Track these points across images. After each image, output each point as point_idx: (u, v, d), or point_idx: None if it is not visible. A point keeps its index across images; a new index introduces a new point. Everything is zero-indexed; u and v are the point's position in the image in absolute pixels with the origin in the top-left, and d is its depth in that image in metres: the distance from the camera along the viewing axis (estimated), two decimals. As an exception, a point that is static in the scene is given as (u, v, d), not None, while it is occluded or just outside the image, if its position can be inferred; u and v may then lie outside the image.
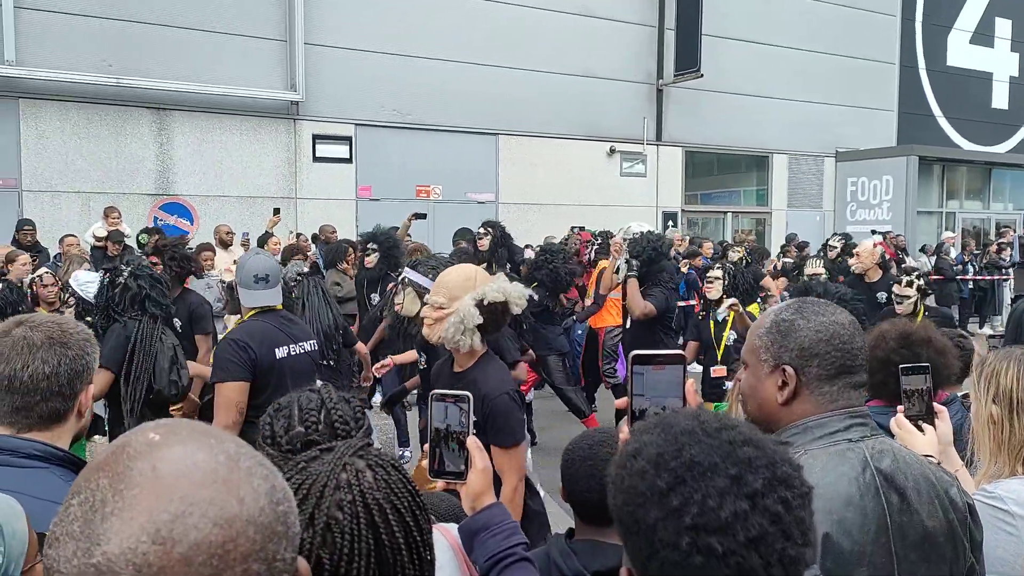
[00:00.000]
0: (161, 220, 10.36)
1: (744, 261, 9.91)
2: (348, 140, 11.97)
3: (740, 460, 0.93)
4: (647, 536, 0.93)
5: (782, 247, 13.29)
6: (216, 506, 0.65)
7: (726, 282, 5.15)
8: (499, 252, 7.52)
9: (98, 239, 8.62)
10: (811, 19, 16.15)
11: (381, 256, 6.57)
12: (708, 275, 5.37)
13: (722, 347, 5.28)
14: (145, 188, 10.64)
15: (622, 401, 1.42)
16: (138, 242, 8.54)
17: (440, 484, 1.60)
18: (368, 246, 6.63)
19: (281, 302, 3.64)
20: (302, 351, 3.55)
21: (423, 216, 9.19)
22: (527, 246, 8.93)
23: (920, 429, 1.85)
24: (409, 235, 8.81)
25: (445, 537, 1.50)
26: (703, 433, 0.96)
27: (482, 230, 7.69)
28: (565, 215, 13.01)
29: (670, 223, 14.58)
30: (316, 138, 11.73)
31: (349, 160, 12.01)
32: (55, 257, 8.32)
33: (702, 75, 13.99)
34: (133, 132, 10.55)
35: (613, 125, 14.21)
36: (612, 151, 14.24)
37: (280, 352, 3.44)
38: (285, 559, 0.70)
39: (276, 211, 9.62)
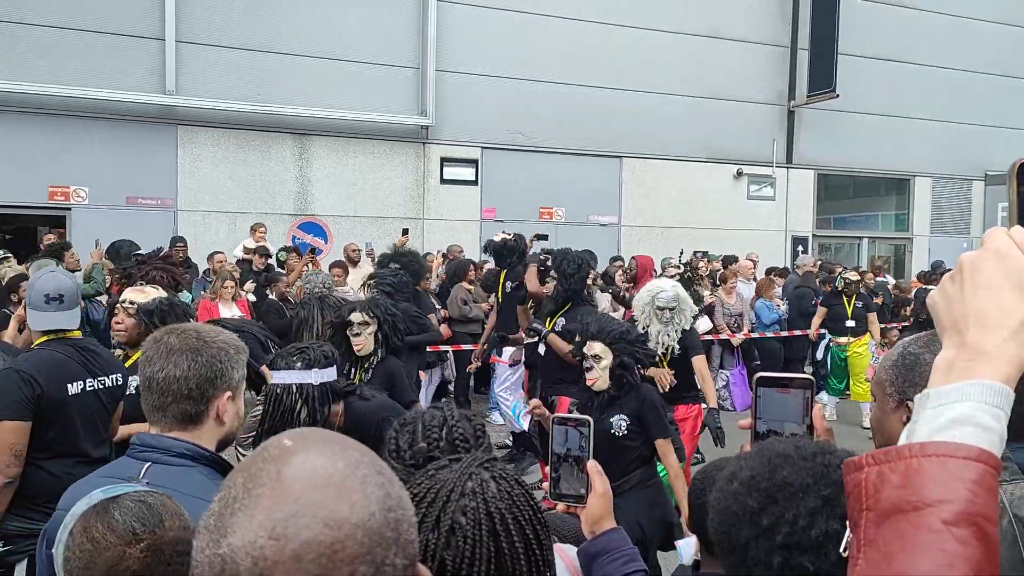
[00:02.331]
0: (298, 239, 10.95)
1: (862, 287, 9.40)
2: (474, 163, 12.27)
3: (834, 482, 0.93)
4: (740, 556, 0.93)
5: (923, 274, 12.54)
6: (327, 509, 0.69)
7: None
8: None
9: (247, 251, 9.21)
10: (958, 36, 15.25)
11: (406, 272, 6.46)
12: None
13: None
14: (285, 208, 11.29)
15: (746, 422, 1.42)
16: (277, 259, 9.06)
17: (560, 507, 1.62)
18: (391, 265, 6.51)
19: (77, 327, 3.21)
20: (102, 386, 3.18)
21: (544, 237, 9.26)
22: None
23: None
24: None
25: (561, 558, 1.51)
26: (799, 457, 0.97)
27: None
28: (688, 238, 12.79)
29: (799, 248, 14.07)
30: (444, 161, 12.10)
31: (475, 182, 12.30)
32: (204, 272, 8.94)
33: (837, 95, 13.47)
34: (277, 156, 11.24)
35: (740, 147, 13.90)
36: (739, 173, 13.91)
37: (73, 388, 3.07)
38: (395, 565, 0.72)
39: (405, 231, 9.96)
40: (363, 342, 4.05)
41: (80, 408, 3.10)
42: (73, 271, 7.58)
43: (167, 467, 1.70)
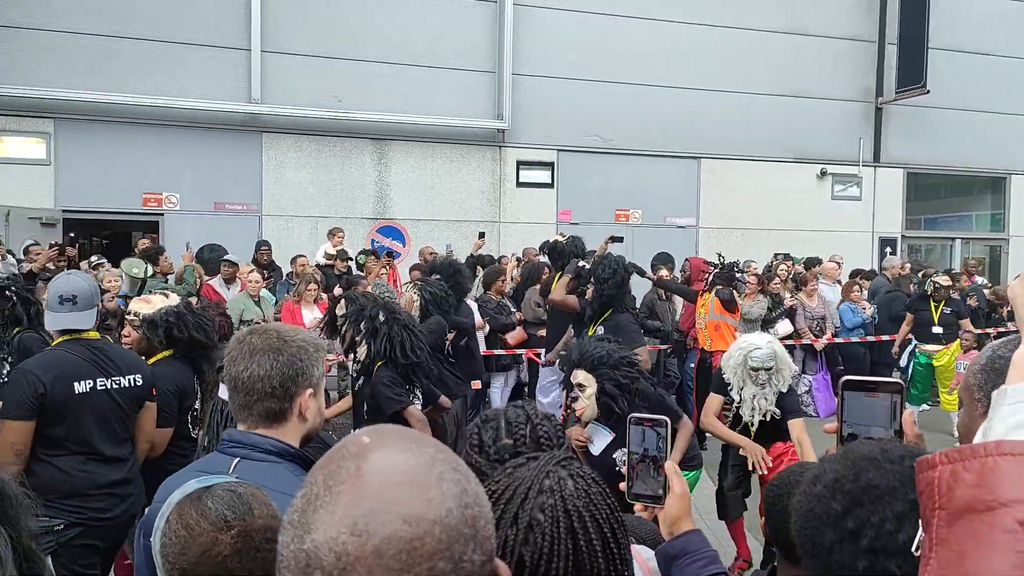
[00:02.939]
0: (377, 242, 11.15)
1: (954, 292, 8.95)
2: (550, 166, 12.27)
3: None
4: (824, 559, 0.92)
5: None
6: (405, 505, 0.70)
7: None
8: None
9: (328, 257, 9.45)
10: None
11: (448, 285, 6.25)
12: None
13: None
14: (365, 212, 11.52)
15: (832, 426, 1.39)
16: (357, 262, 9.25)
17: (637, 507, 1.61)
18: (432, 277, 6.47)
19: (92, 327, 3.28)
20: (116, 386, 3.24)
21: (620, 239, 9.14)
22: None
23: None
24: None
25: (635, 559, 1.49)
26: (885, 460, 0.94)
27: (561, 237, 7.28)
28: (770, 240, 12.51)
29: (887, 250, 13.56)
30: (520, 164, 12.14)
31: (551, 185, 12.30)
32: (287, 276, 9.20)
33: (928, 91, 12.94)
34: (356, 161, 11.49)
35: (824, 146, 13.49)
36: (823, 173, 13.50)
37: (81, 387, 3.14)
38: (473, 561, 0.72)
39: (481, 235, 10.03)
40: (361, 350, 4.09)
41: (90, 407, 3.15)
42: (167, 274, 7.92)
43: (255, 463, 1.75)
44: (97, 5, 10.27)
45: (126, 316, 3.74)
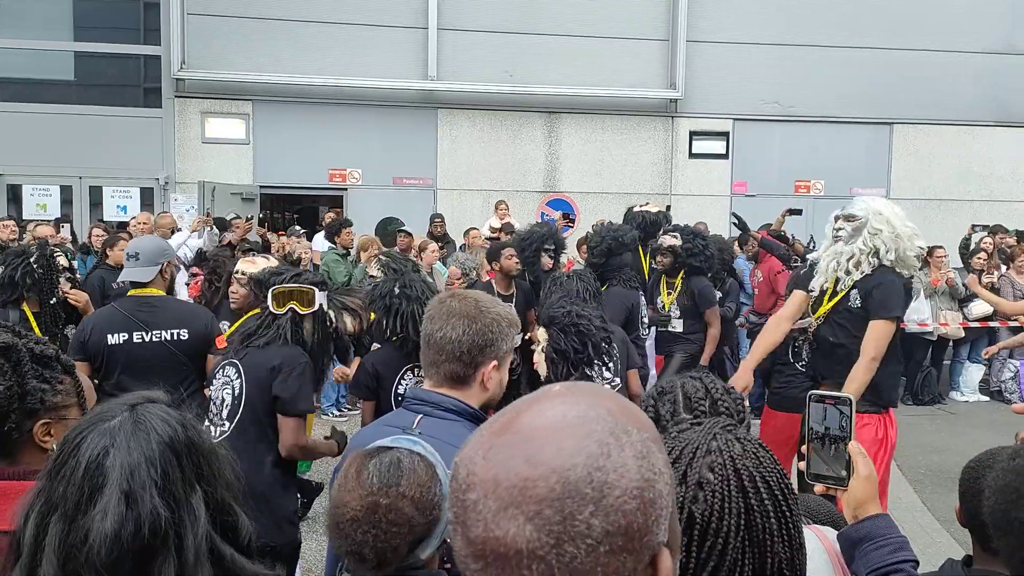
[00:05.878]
0: (547, 215, 11.24)
1: None
2: (725, 136, 11.85)
3: None
4: (1018, 536, 0.85)
5: None
6: (534, 447, 0.71)
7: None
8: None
9: (493, 230, 9.66)
10: None
11: (558, 257, 6.11)
12: None
13: None
14: (535, 186, 11.65)
15: (1021, 407, 1.32)
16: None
17: (818, 488, 1.57)
18: (546, 246, 6.26)
19: (149, 282, 3.52)
20: (155, 339, 3.40)
21: (798, 212, 8.75)
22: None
23: None
24: (784, 231, 8.45)
25: (821, 540, 1.46)
26: None
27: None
28: (969, 212, 11.44)
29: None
30: (693, 135, 11.80)
31: (725, 156, 11.88)
32: (460, 247, 9.51)
33: None
34: (527, 135, 11.62)
35: (1041, 107, 12.09)
36: (1037, 138, 12.13)
37: (114, 339, 3.35)
38: (590, 525, 0.69)
39: (668, 208, 9.85)
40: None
41: (126, 356, 3.36)
42: (346, 248, 8.41)
43: (436, 420, 1.85)
44: (289, -7, 10.98)
45: (233, 275, 4.00)
